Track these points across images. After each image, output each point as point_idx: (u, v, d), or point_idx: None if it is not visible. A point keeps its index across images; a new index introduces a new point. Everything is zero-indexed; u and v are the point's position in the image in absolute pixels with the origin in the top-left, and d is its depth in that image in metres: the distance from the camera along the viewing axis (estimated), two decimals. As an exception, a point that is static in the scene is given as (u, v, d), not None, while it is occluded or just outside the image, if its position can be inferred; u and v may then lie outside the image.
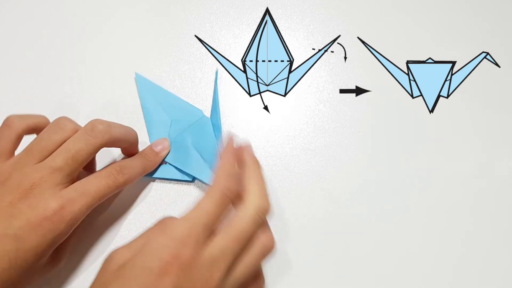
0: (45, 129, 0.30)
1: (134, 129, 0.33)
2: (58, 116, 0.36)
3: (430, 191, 0.37)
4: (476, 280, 0.35)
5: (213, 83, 0.39)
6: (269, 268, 0.34)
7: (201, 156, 0.35)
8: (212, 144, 0.36)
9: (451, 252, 0.36)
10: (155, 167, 0.35)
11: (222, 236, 0.25)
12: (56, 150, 0.29)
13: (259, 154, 0.37)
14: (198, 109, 0.38)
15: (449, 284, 0.35)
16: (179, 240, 0.24)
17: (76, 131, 0.30)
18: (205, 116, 0.37)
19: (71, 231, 0.28)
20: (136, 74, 0.38)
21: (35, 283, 0.29)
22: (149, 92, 0.38)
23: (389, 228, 0.36)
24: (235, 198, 0.28)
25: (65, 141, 0.29)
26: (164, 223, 0.26)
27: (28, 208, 0.26)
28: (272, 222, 0.36)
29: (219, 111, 0.37)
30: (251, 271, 0.27)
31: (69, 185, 0.28)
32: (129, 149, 0.34)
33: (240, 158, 0.31)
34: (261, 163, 0.36)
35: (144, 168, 0.33)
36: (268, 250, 0.28)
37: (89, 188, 0.29)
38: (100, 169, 0.31)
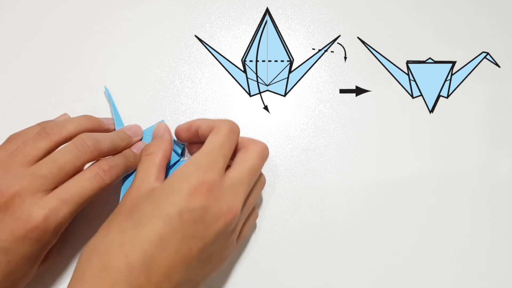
0: (33, 134, 0.30)
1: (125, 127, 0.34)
2: (54, 117, 0.36)
3: (430, 191, 0.37)
4: (477, 280, 0.35)
5: (212, 84, 0.39)
6: (269, 267, 0.34)
7: None
8: None
9: (451, 251, 0.36)
10: (134, 169, 0.33)
11: (238, 169, 0.29)
12: (43, 157, 0.29)
13: (259, 154, 0.37)
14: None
15: (449, 284, 0.35)
16: (203, 167, 0.27)
17: (64, 140, 0.30)
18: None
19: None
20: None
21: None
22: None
23: (389, 228, 0.36)
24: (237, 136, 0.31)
25: (51, 148, 0.29)
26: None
27: (10, 219, 0.26)
28: (272, 222, 0.36)
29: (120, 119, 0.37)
30: (255, 201, 0.32)
31: (51, 191, 0.28)
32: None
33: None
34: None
35: (126, 169, 0.32)
36: (264, 185, 0.34)
37: (72, 194, 0.28)
38: (84, 170, 0.29)
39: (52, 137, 0.29)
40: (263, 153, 0.31)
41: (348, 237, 0.36)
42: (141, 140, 0.35)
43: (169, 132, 0.33)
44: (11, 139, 0.30)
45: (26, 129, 0.32)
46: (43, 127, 0.30)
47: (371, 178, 0.37)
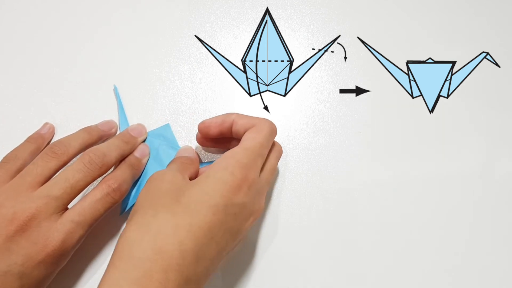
0: (40, 154, 0.30)
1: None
2: (53, 117, 0.37)
3: (430, 191, 0.37)
4: (477, 280, 0.35)
5: (212, 84, 0.39)
6: (269, 267, 0.34)
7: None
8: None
9: (451, 251, 0.36)
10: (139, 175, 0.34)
11: (265, 170, 0.30)
12: (52, 176, 0.29)
13: (259, 154, 0.37)
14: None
15: (449, 284, 0.35)
16: (246, 164, 0.28)
17: (72, 158, 0.30)
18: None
19: None
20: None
21: None
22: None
23: (389, 228, 0.36)
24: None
25: (60, 167, 0.30)
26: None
27: (27, 243, 0.26)
28: (272, 222, 0.36)
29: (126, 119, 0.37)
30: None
31: (64, 211, 0.28)
32: None
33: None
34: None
35: (133, 179, 0.32)
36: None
37: (86, 216, 0.28)
38: (95, 189, 0.29)
39: (61, 157, 0.30)
40: (280, 154, 0.33)
41: (348, 237, 0.36)
42: (144, 140, 0.35)
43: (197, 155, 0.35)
44: (8, 159, 0.31)
45: (19, 147, 0.32)
46: (49, 147, 0.30)
47: (371, 178, 0.37)
